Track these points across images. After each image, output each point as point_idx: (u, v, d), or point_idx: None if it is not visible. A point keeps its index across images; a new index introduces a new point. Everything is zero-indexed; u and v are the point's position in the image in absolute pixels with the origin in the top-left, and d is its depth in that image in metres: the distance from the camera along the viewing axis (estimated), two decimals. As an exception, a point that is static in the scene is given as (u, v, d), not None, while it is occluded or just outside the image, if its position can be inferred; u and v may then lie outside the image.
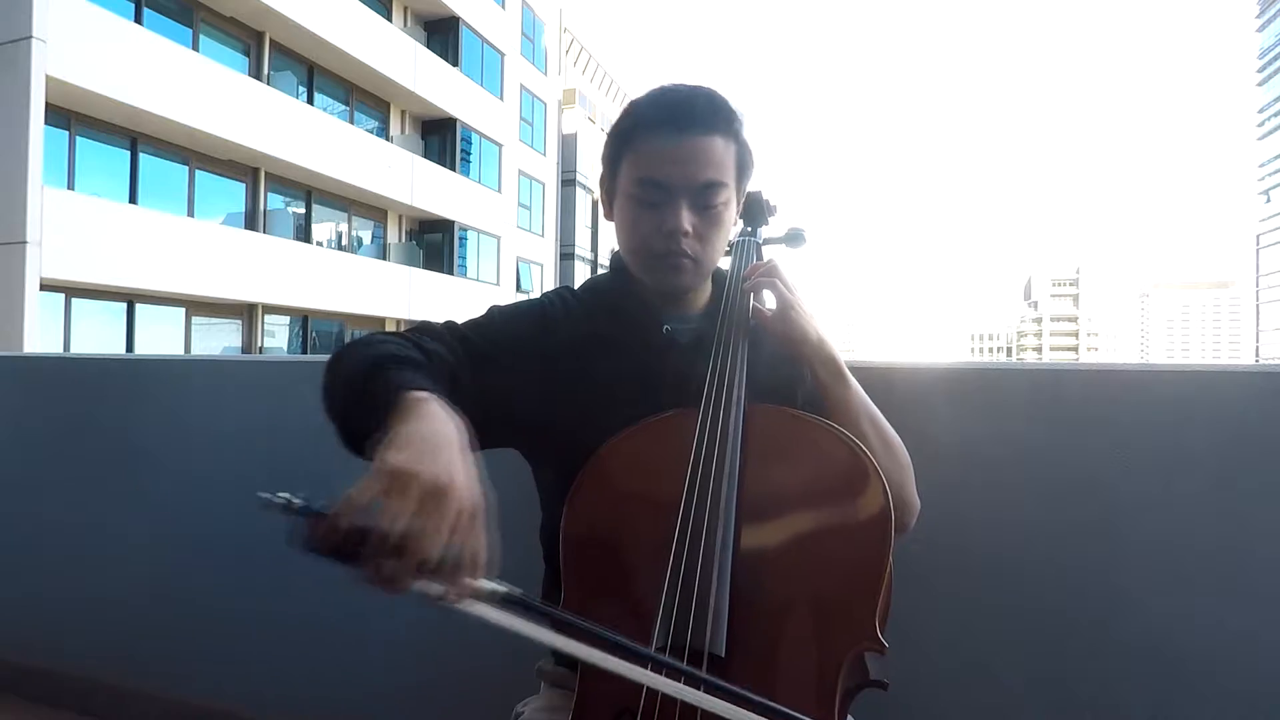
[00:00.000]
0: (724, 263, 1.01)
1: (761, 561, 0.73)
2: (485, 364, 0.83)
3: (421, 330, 0.83)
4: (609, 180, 0.93)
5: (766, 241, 1.11)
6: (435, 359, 0.77)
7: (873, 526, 0.73)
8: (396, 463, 0.55)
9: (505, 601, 0.56)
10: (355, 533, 0.51)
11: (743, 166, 0.90)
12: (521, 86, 21.01)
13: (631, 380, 0.88)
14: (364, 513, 0.52)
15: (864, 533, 0.73)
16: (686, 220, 0.86)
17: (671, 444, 0.79)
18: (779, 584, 0.72)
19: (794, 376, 0.94)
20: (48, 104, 9.34)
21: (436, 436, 0.59)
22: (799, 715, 0.57)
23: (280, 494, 0.53)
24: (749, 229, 1.10)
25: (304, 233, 14.58)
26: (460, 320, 0.89)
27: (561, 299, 0.97)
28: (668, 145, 0.85)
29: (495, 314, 0.92)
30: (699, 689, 0.59)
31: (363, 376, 0.69)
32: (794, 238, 1.11)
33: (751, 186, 0.98)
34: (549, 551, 0.90)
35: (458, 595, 0.55)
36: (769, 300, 0.90)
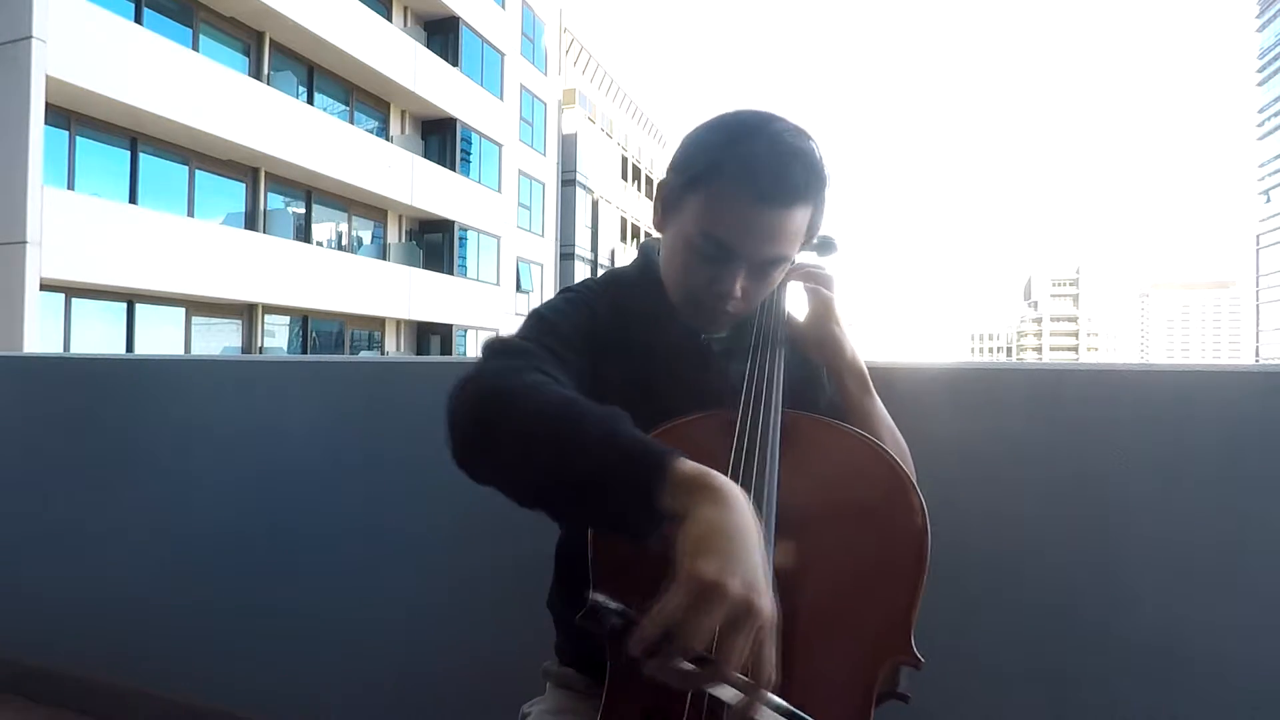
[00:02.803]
0: None
1: (798, 570, 0.72)
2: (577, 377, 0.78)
3: (534, 352, 0.75)
4: (673, 200, 0.85)
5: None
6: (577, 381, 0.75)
7: (911, 539, 0.72)
8: (708, 574, 0.52)
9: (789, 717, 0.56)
10: (664, 640, 0.52)
11: (813, 225, 0.85)
12: (521, 86, 21.01)
13: (668, 386, 0.85)
14: (674, 625, 0.52)
15: (903, 545, 0.73)
16: (740, 286, 0.82)
17: (710, 445, 0.76)
18: (816, 594, 0.71)
19: (816, 383, 0.94)
20: (48, 104, 9.34)
21: (744, 534, 0.55)
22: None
23: (609, 601, 0.54)
24: None
25: (304, 233, 14.58)
26: (539, 337, 0.80)
27: (588, 289, 0.93)
28: (745, 211, 0.78)
29: (549, 318, 0.84)
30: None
31: (573, 431, 0.61)
32: (825, 246, 1.10)
33: None
34: (568, 564, 0.90)
35: (744, 711, 0.54)
36: (803, 304, 0.91)
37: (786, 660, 0.67)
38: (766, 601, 0.54)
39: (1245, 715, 1.04)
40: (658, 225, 0.89)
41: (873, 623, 0.71)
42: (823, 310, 0.90)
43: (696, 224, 0.81)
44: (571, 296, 0.90)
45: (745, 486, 0.71)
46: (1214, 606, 1.05)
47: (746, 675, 0.54)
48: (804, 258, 1.09)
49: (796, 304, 0.96)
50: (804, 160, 0.79)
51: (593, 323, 0.85)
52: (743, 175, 0.77)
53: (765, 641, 0.54)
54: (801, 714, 0.55)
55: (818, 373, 0.93)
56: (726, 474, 0.69)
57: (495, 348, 0.76)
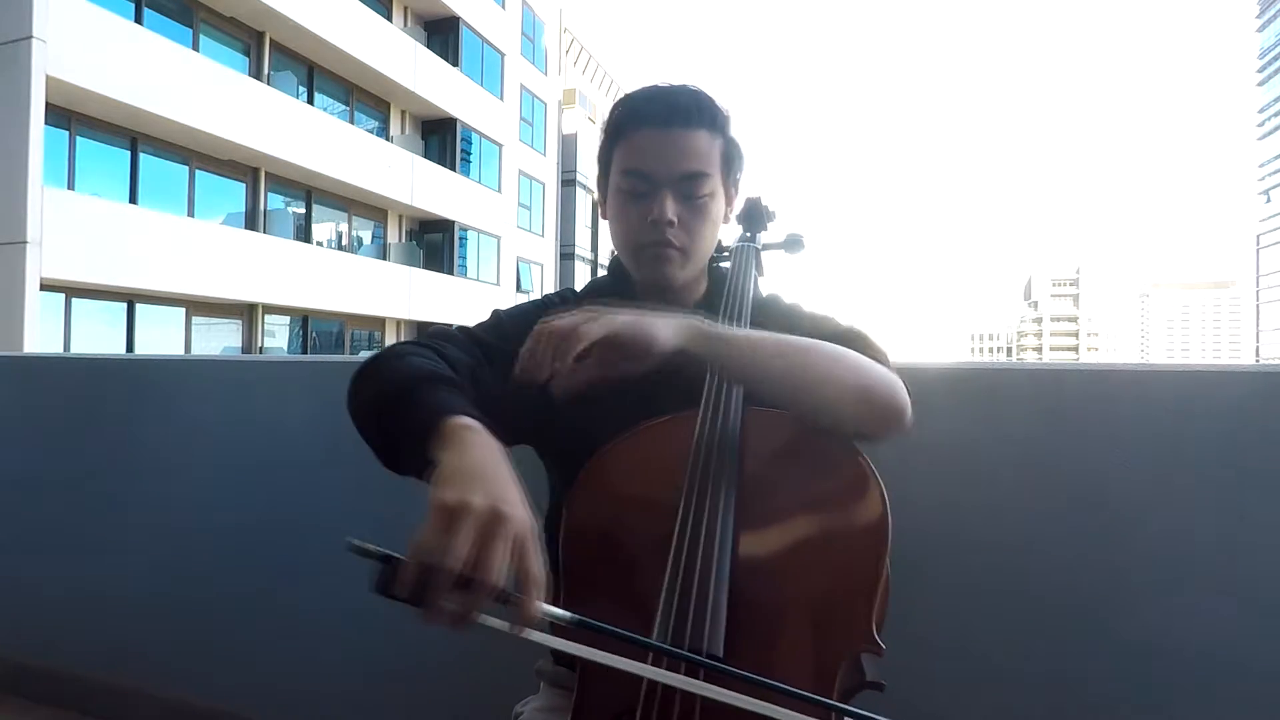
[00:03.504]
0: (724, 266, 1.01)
1: (760, 563, 0.73)
2: (498, 364, 0.83)
3: (440, 337, 0.84)
4: (602, 178, 0.95)
5: (765, 247, 1.11)
6: (459, 367, 0.78)
7: (870, 529, 0.73)
8: (449, 498, 0.56)
9: (570, 625, 0.57)
10: (424, 572, 0.53)
11: (729, 162, 0.92)
12: (521, 86, 21.01)
13: (628, 379, 0.87)
14: (430, 553, 0.53)
15: (861, 535, 0.73)
16: (671, 210, 0.87)
17: (671, 447, 0.79)
18: (777, 586, 0.73)
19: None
20: (48, 104, 9.34)
21: (484, 464, 0.60)
22: (795, 690, 0.58)
23: (367, 543, 0.54)
24: (748, 234, 1.10)
25: (304, 233, 14.58)
26: (469, 325, 0.90)
27: (562, 298, 0.99)
28: (652, 137, 0.88)
29: (501, 315, 0.93)
30: (700, 677, 0.60)
31: (397, 398, 0.70)
32: (793, 243, 1.11)
33: (750, 192, 0.98)
34: (549, 554, 0.90)
35: (525, 622, 0.55)
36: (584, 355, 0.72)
37: (749, 647, 0.68)
38: (518, 511, 0.57)
39: (1245, 715, 1.04)
40: (603, 212, 0.96)
41: (835, 611, 0.71)
42: (598, 337, 0.72)
43: (619, 171, 0.90)
44: (535, 304, 0.96)
45: (705, 483, 0.74)
46: (1214, 606, 1.05)
47: (517, 592, 0.55)
48: (774, 258, 1.10)
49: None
50: (691, 91, 0.90)
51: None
52: (641, 108, 0.89)
53: (527, 551, 0.56)
54: (591, 621, 0.57)
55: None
56: (686, 472, 0.74)
57: (426, 333, 0.86)
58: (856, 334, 0.88)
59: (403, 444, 0.68)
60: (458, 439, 0.63)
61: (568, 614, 0.57)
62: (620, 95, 0.95)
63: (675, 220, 0.88)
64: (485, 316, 0.93)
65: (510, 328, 0.88)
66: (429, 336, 0.84)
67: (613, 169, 0.92)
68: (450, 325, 0.89)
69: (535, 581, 0.55)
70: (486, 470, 0.60)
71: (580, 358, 0.70)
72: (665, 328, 0.74)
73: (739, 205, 1.00)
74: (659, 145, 0.88)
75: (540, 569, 0.56)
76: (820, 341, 0.80)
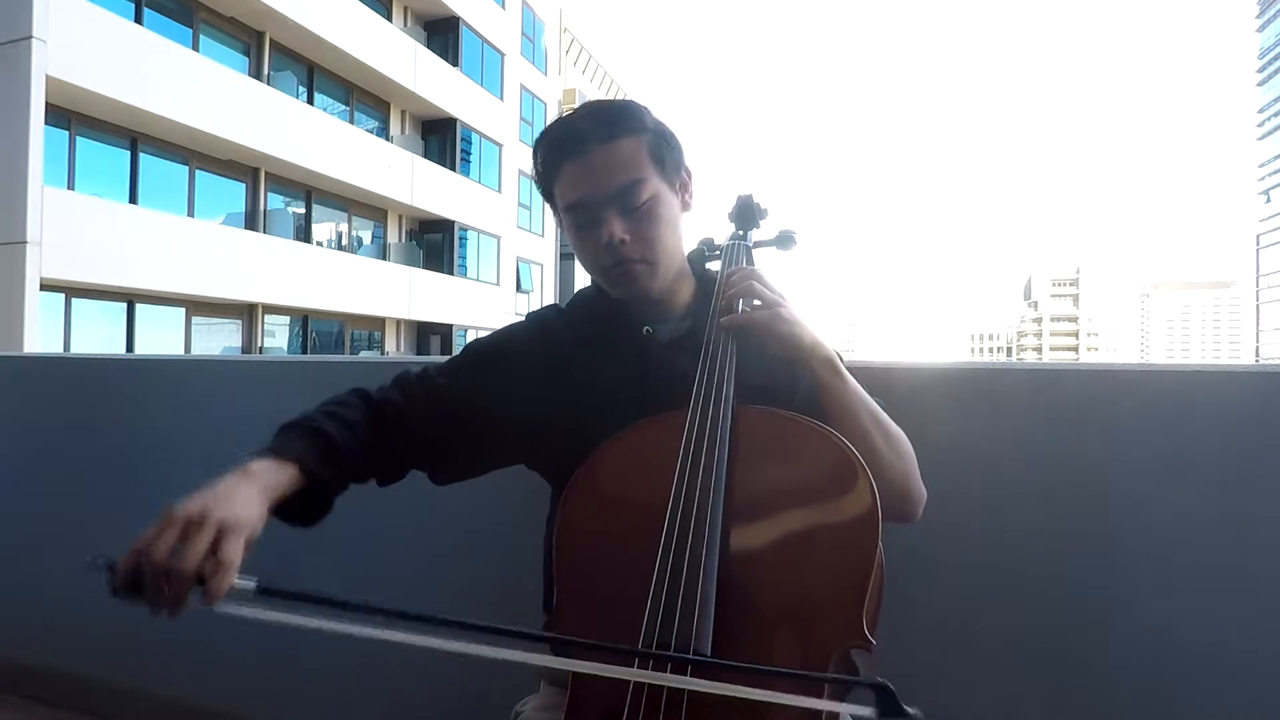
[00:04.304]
0: (714, 265, 1.01)
1: (748, 561, 0.73)
2: (448, 401, 0.89)
3: (398, 378, 0.92)
4: (557, 219, 0.95)
5: (757, 245, 1.10)
6: (380, 406, 0.86)
7: (859, 525, 0.73)
8: (169, 508, 0.66)
9: (261, 594, 0.65)
10: (136, 567, 0.63)
11: (660, 153, 0.90)
12: (521, 86, 21.01)
13: (614, 383, 0.89)
14: (141, 550, 0.63)
15: (850, 531, 0.73)
16: (619, 229, 0.87)
17: (660, 447, 0.80)
18: (766, 583, 0.73)
19: (790, 377, 0.93)
20: (48, 104, 9.33)
21: (219, 486, 0.70)
22: (781, 669, 0.60)
23: (98, 557, 0.64)
24: (740, 232, 1.10)
25: (304, 233, 14.58)
26: (435, 364, 0.95)
27: (541, 318, 1.00)
28: (575, 167, 0.88)
29: (468, 351, 0.97)
30: (675, 671, 0.62)
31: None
32: (784, 240, 1.11)
33: (741, 189, 0.98)
34: (547, 561, 0.91)
35: (215, 597, 0.64)
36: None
37: (738, 642, 0.68)
38: (222, 511, 0.66)
39: (1245, 715, 1.04)
40: (572, 249, 0.96)
41: (824, 605, 0.72)
42: (767, 305, 0.87)
43: (563, 210, 0.91)
44: (507, 330, 1.00)
45: (694, 482, 0.75)
46: (1214, 606, 1.05)
47: (212, 570, 0.64)
48: (766, 255, 1.10)
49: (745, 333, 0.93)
50: (592, 108, 0.91)
51: (521, 358, 0.94)
52: (555, 147, 0.90)
53: (224, 539, 0.65)
54: (314, 594, 0.65)
55: (795, 366, 0.89)
56: (675, 472, 0.76)
57: (397, 375, 0.93)
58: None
59: None
60: (227, 473, 0.73)
61: (251, 585, 0.65)
62: (630, 97, 0.96)
63: (626, 237, 0.87)
64: (494, 326, 0.95)
65: (472, 362, 0.94)
66: (395, 378, 0.92)
67: (558, 209, 0.93)
68: (415, 366, 0.94)
69: (219, 563, 0.64)
70: (214, 490, 0.70)
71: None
72: (812, 336, 0.86)
73: (695, 189, 0.98)
74: (583, 172, 0.87)
75: (225, 553, 0.65)
76: (893, 426, 0.87)
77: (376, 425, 0.84)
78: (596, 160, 0.87)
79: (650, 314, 0.94)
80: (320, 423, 0.81)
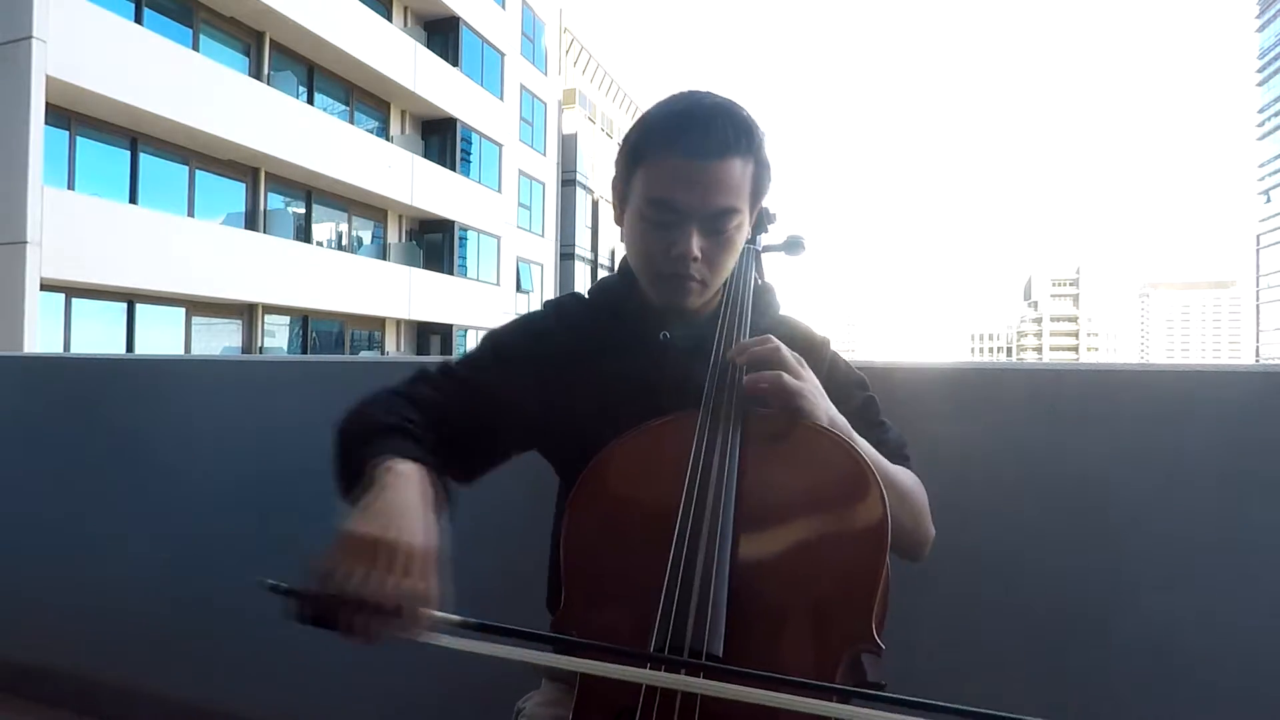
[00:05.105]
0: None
1: (760, 563, 0.73)
2: (479, 392, 0.87)
3: (418, 378, 0.88)
4: (622, 188, 0.90)
5: (766, 249, 1.11)
6: (425, 406, 0.82)
7: (869, 530, 0.73)
8: (349, 530, 0.62)
9: (464, 627, 0.61)
10: (325, 598, 0.59)
11: (758, 187, 0.87)
12: (521, 86, 21.01)
13: (628, 383, 0.88)
14: (326, 579, 0.59)
15: (861, 536, 0.73)
16: (696, 245, 0.84)
17: (670, 447, 0.79)
18: (776, 585, 0.73)
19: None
20: (48, 104, 9.34)
21: (392, 503, 0.65)
22: (791, 678, 0.59)
23: (279, 582, 0.61)
24: (749, 238, 1.09)
25: (304, 233, 14.58)
26: (454, 360, 0.93)
27: (559, 306, 0.99)
28: (682, 168, 0.82)
29: (487, 340, 0.95)
30: (684, 675, 0.61)
31: (347, 454, 0.76)
32: (793, 245, 1.11)
33: None
34: (553, 558, 0.91)
35: (417, 630, 0.60)
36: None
37: (749, 646, 0.68)
38: (406, 536, 0.61)
39: (1245, 715, 1.04)
40: (618, 220, 0.93)
41: (835, 610, 0.71)
42: (791, 389, 0.80)
43: (644, 196, 0.85)
44: (527, 319, 0.99)
45: (705, 484, 0.74)
46: (1214, 606, 1.05)
47: (410, 605, 0.59)
48: (774, 260, 1.09)
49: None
50: (726, 113, 0.84)
51: (533, 340, 0.94)
52: (673, 135, 0.83)
53: (412, 568, 0.60)
54: (466, 618, 0.61)
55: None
56: (686, 473, 0.75)
57: (411, 375, 0.89)
58: (872, 400, 0.95)
59: (342, 488, 0.74)
60: (378, 483, 0.68)
61: (458, 617, 0.61)
62: (648, 110, 0.89)
63: (699, 255, 0.84)
64: (493, 326, 0.94)
65: (493, 352, 0.92)
66: (410, 379, 0.88)
67: (635, 191, 0.86)
68: (430, 364, 0.92)
69: (417, 595, 0.59)
70: (394, 505, 0.65)
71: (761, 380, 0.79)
72: (827, 412, 0.80)
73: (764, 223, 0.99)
74: (688, 177, 0.82)
75: (430, 584, 0.60)
76: (906, 478, 0.87)
77: (440, 426, 0.82)
78: (708, 171, 0.82)
79: (673, 318, 0.93)
80: (398, 423, 0.78)
